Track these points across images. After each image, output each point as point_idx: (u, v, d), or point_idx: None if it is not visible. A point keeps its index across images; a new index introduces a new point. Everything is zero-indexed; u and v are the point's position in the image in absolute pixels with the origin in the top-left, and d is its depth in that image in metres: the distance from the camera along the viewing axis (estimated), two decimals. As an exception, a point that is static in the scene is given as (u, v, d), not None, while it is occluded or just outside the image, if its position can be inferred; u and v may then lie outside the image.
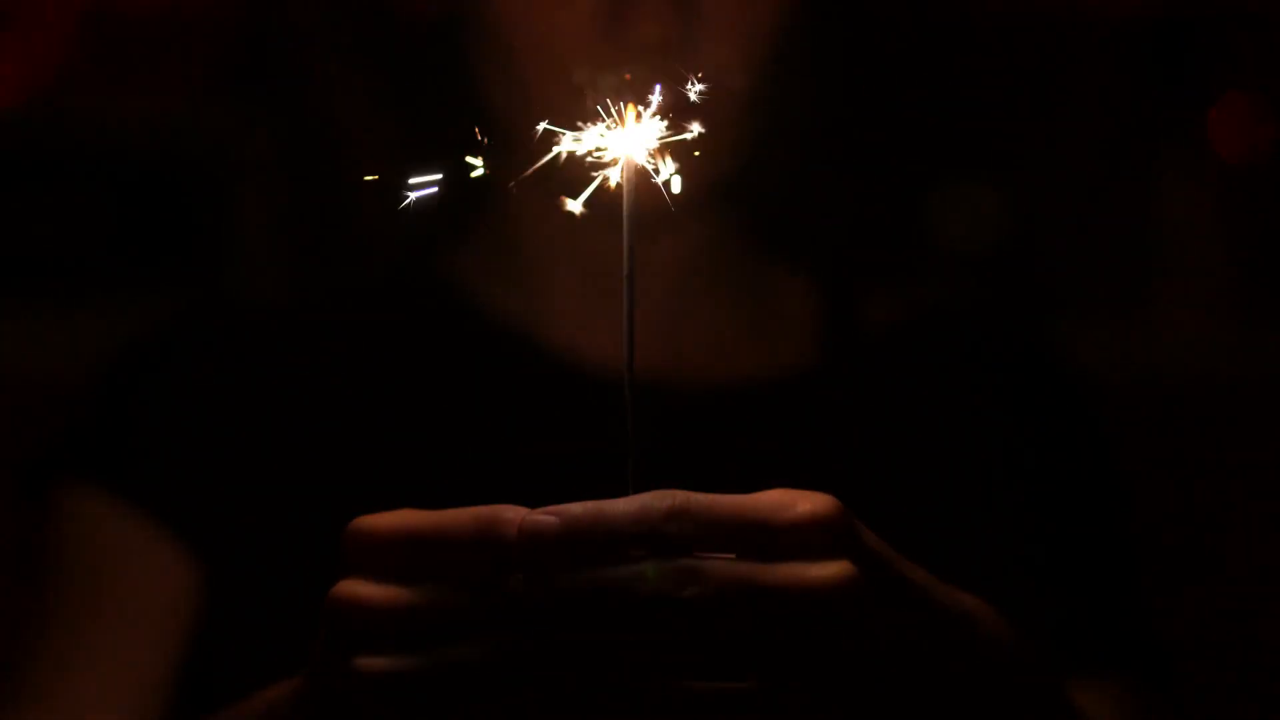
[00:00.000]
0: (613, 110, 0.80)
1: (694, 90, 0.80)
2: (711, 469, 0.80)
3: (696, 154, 0.81)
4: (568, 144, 0.80)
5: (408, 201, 0.84)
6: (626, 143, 0.80)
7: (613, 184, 0.80)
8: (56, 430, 1.25)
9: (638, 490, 0.75)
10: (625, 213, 0.80)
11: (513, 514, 0.73)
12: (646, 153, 0.80)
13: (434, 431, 1.19)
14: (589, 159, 0.80)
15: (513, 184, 0.82)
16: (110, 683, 1.15)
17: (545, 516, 0.73)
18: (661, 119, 0.80)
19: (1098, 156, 2.14)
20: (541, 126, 0.82)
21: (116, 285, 2.03)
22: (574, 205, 0.80)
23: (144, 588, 1.17)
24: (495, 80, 1.19)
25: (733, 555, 0.75)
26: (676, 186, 0.80)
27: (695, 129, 0.80)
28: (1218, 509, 2.00)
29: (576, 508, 0.73)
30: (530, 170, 0.82)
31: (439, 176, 0.83)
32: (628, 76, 0.81)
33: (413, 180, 0.84)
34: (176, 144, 2.09)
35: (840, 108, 1.27)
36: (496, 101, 1.19)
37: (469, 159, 0.83)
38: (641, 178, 0.80)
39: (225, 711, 0.92)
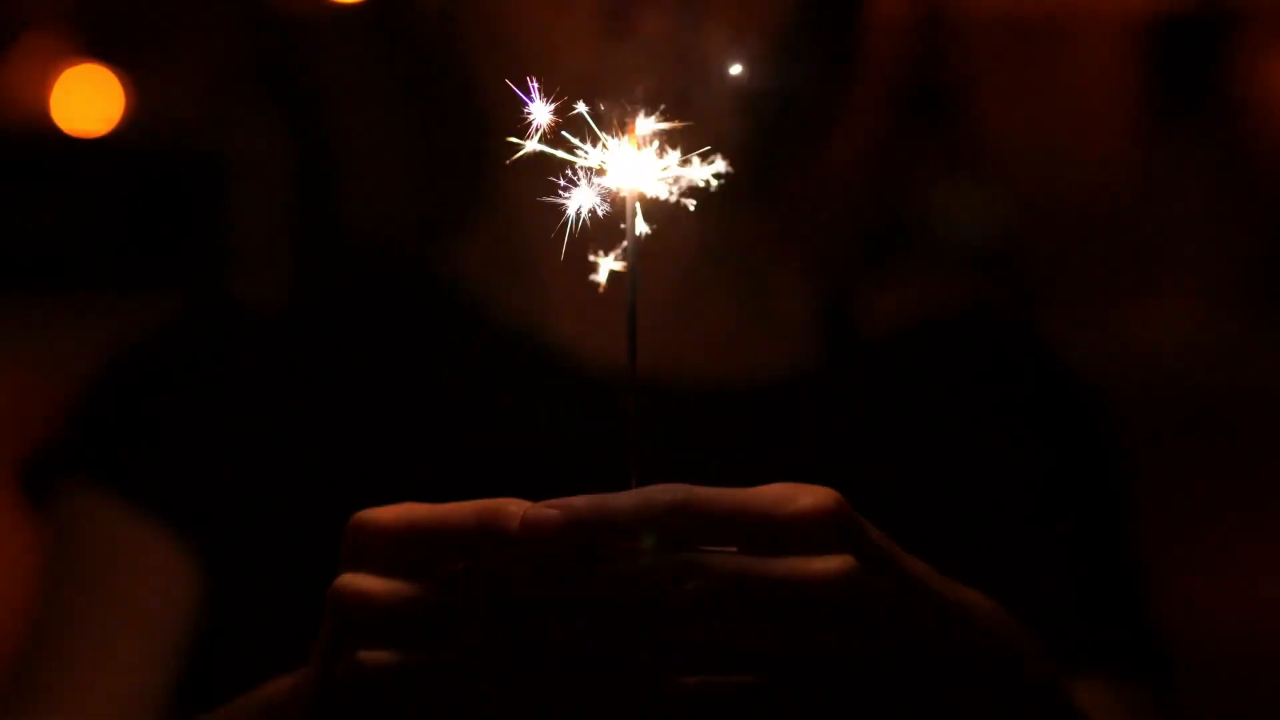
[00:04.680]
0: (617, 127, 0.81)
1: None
2: (713, 466, 0.80)
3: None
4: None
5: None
6: (631, 159, 0.81)
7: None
8: (59, 431, 1.25)
9: (640, 485, 0.75)
10: (629, 210, 0.81)
11: (515, 507, 0.73)
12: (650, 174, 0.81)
13: (436, 427, 1.19)
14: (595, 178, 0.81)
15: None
16: (113, 681, 1.15)
17: (548, 510, 0.73)
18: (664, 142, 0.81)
19: (1099, 156, 2.15)
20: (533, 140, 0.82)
21: (118, 285, 2.03)
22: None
23: (146, 586, 1.17)
24: (499, 80, 1.19)
25: (734, 549, 0.75)
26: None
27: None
28: (1218, 508, 2.00)
29: (579, 501, 0.73)
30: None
31: None
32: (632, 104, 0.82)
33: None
34: (180, 145, 2.09)
35: (844, 104, 1.27)
36: (500, 101, 1.19)
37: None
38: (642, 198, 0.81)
39: (227, 706, 0.92)
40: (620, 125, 0.81)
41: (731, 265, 1.26)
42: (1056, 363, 1.32)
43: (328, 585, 0.77)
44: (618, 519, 0.73)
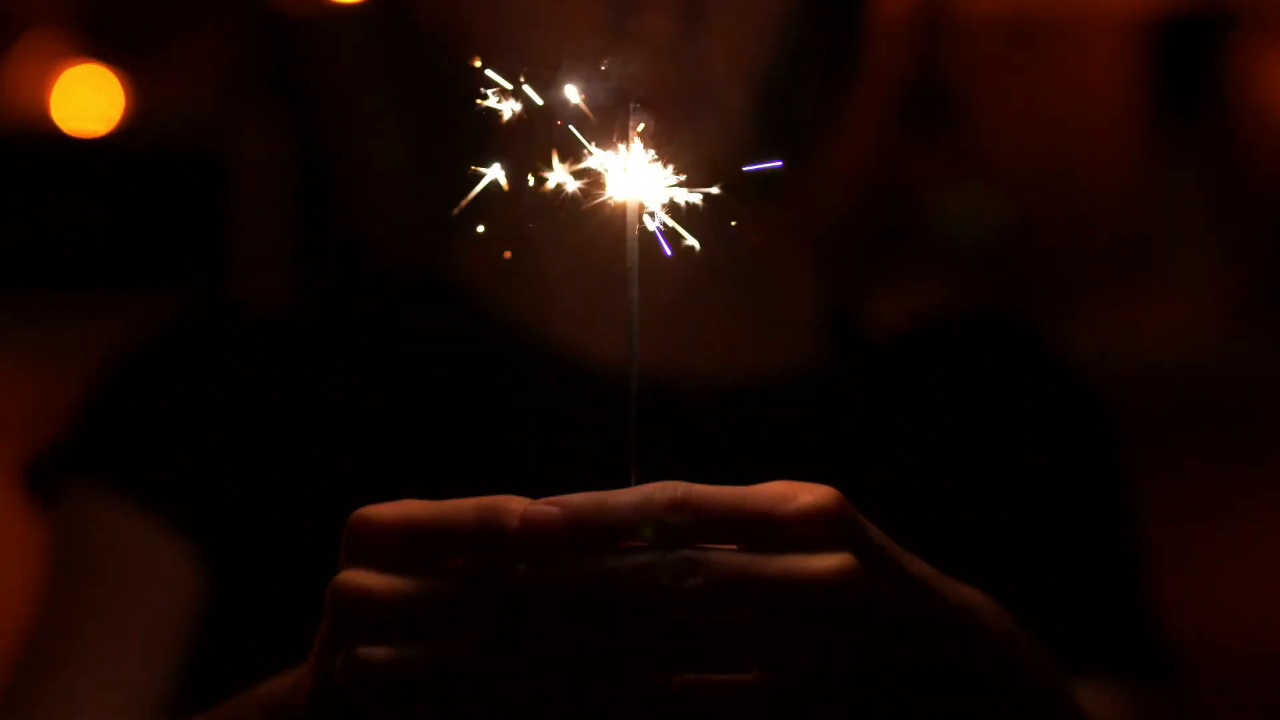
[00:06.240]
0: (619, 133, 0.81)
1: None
2: (714, 466, 0.80)
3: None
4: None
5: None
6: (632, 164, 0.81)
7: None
8: (64, 430, 1.25)
9: (640, 483, 0.75)
10: (629, 212, 0.81)
11: (515, 505, 0.73)
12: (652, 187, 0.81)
13: (437, 426, 1.19)
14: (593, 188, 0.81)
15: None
16: (117, 678, 1.15)
17: (548, 507, 0.73)
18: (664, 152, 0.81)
19: (1101, 156, 2.14)
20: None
21: (120, 285, 2.03)
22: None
23: (150, 584, 1.18)
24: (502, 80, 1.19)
25: (734, 547, 0.75)
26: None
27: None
28: (1220, 507, 2.00)
29: (579, 498, 0.73)
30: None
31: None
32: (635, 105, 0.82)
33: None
34: (181, 145, 2.09)
35: (847, 105, 1.27)
36: (502, 101, 1.19)
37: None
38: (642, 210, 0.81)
39: (229, 703, 0.92)
40: (622, 127, 0.81)
41: (734, 265, 1.26)
42: (1058, 362, 1.32)
43: (328, 583, 0.77)
44: (618, 516, 0.73)
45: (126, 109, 2.12)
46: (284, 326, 1.26)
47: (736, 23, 1.14)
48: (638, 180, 0.82)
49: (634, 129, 0.81)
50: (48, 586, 1.20)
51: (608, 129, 0.82)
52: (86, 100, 2.12)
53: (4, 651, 1.26)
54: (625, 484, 0.76)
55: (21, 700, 1.16)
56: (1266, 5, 2.10)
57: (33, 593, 1.22)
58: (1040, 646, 0.90)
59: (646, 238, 0.82)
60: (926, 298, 1.33)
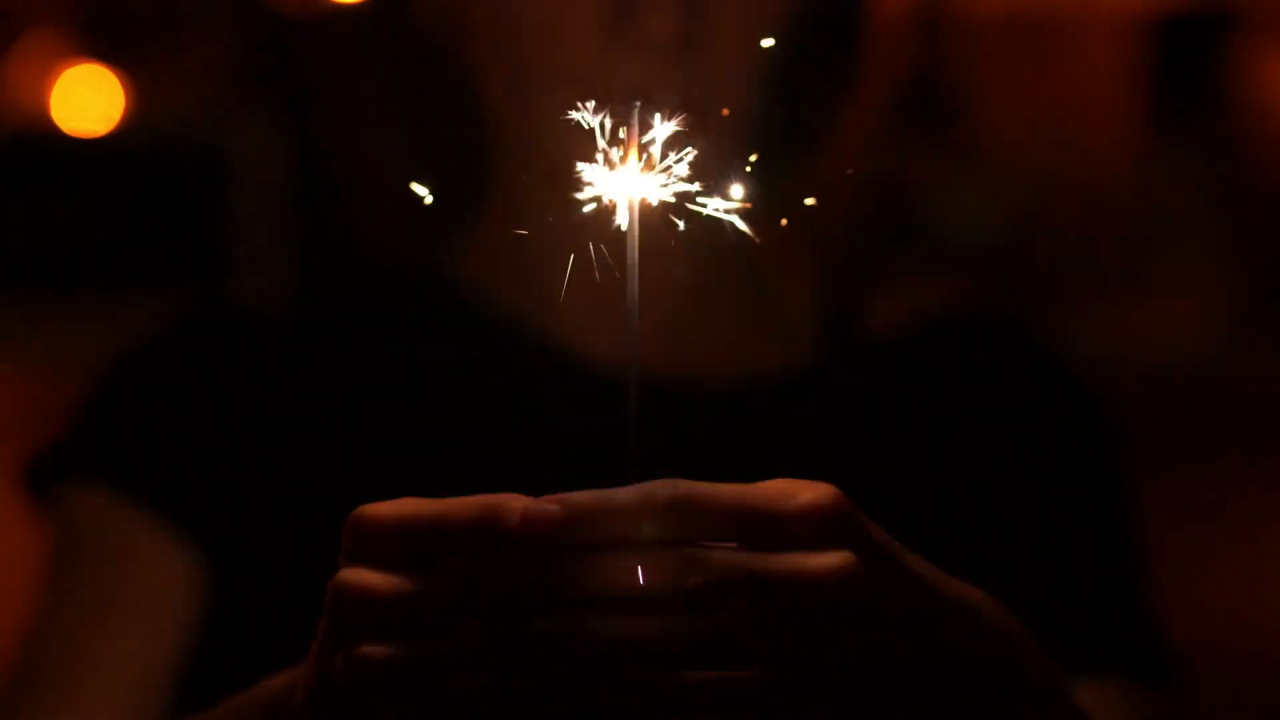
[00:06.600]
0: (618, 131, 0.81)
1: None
2: (714, 466, 0.80)
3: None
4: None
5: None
6: (632, 172, 0.81)
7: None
8: (64, 430, 1.25)
9: (640, 481, 0.75)
10: (629, 213, 0.81)
11: (515, 503, 0.73)
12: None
13: (437, 426, 1.19)
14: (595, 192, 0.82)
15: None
16: (117, 677, 1.15)
17: (548, 505, 0.73)
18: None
19: (1101, 156, 2.15)
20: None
21: (120, 285, 2.03)
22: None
23: (149, 583, 1.18)
24: (503, 82, 1.19)
25: (734, 545, 0.75)
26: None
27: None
28: (1221, 507, 2.00)
29: (579, 496, 0.73)
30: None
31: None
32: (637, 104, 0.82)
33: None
34: (181, 145, 2.09)
35: (847, 105, 1.27)
36: (503, 103, 1.19)
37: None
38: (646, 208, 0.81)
39: (228, 702, 0.92)
40: (622, 127, 0.81)
41: (733, 265, 1.26)
42: (1058, 362, 1.32)
43: (328, 581, 0.77)
44: (618, 514, 0.73)
45: (126, 109, 2.12)
46: (283, 326, 1.26)
47: (737, 23, 1.14)
48: (638, 180, 0.82)
49: (634, 129, 0.81)
50: (47, 587, 1.20)
51: (607, 129, 0.82)
52: (86, 100, 2.12)
53: (3, 651, 1.26)
54: (625, 483, 0.76)
55: (21, 700, 1.16)
56: (1266, 5, 2.10)
57: (32, 593, 1.22)
58: (1041, 646, 0.90)
59: (646, 237, 0.82)
60: (927, 297, 1.33)
